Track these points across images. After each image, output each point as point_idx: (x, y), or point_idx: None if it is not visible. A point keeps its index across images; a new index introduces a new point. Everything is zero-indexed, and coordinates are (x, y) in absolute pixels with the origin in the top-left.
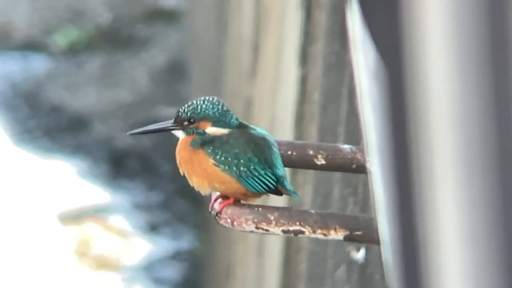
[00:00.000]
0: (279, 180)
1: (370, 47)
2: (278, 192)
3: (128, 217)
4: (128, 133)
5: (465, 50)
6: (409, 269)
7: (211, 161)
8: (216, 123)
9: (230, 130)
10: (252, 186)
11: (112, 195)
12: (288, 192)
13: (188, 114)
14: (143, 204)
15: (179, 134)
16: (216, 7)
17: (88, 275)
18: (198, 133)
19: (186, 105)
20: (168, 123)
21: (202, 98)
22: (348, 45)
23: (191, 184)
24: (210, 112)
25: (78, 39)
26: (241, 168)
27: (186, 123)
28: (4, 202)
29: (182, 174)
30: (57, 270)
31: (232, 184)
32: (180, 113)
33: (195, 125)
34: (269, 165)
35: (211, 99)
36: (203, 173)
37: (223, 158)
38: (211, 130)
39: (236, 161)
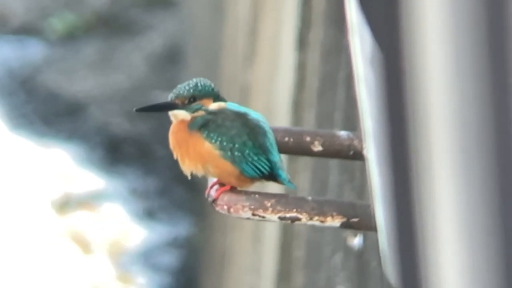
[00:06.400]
0: (273, 166)
1: (367, 33)
2: (273, 177)
3: (124, 203)
4: (134, 109)
5: (463, 36)
6: (406, 256)
7: (207, 143)
8: (216, 99)
9: (227, 106)
10: (246, 171)
11: (108, 181)
12: (283, 182)
13: (191, 91)
14: (140, 190)
15: (181, 114)
16: None
17: (84, 261)
18: (204, 110)
19: (183, 85)
20: (168, 103)
21: (195, 78)
22: (346, 30)
23: (182, 167)
24: (210, 89)
25: (75, 24)
26: (235, 153)
27: (187, 101)
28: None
29: (175, 157)
30: (52, 257)
31: (226, 167)
32: (181, 92)
33: (197, 102)
34: (264, 150)
35: (203, 78)
36: (197, 156)
37: (218, 141)
38: (214, 106)
39: (231, 145)
